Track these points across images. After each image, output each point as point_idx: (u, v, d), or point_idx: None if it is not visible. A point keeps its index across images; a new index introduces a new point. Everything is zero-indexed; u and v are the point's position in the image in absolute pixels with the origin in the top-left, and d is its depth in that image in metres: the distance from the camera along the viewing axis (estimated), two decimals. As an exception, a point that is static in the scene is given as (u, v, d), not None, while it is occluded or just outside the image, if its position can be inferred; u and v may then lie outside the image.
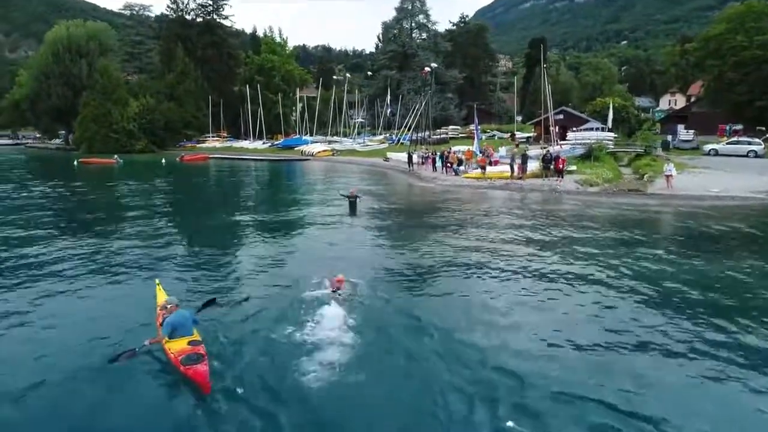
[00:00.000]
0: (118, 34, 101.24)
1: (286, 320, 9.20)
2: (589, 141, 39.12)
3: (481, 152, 34.61)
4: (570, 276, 11.94)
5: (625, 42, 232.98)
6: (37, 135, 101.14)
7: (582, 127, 47.83)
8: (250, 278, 12.28)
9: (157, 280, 10.48)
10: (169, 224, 19.35)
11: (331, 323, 8.79)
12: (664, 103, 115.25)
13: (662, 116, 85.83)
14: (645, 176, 29.51)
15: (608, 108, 54.65)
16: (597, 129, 46.61)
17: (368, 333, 8.59)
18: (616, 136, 43.57)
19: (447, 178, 32.20)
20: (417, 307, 9.98)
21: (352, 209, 20.60)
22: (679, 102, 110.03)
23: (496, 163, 32.86)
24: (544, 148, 39.32)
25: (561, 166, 27.16)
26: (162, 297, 9.56)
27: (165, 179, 38.03)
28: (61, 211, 22.88)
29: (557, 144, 37.78)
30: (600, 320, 9.39)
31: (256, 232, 17.89)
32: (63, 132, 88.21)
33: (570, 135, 42.51)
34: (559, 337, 8.61)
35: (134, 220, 19.84)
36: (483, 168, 29.98)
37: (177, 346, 7.72)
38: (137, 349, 7.92)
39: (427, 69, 47.74)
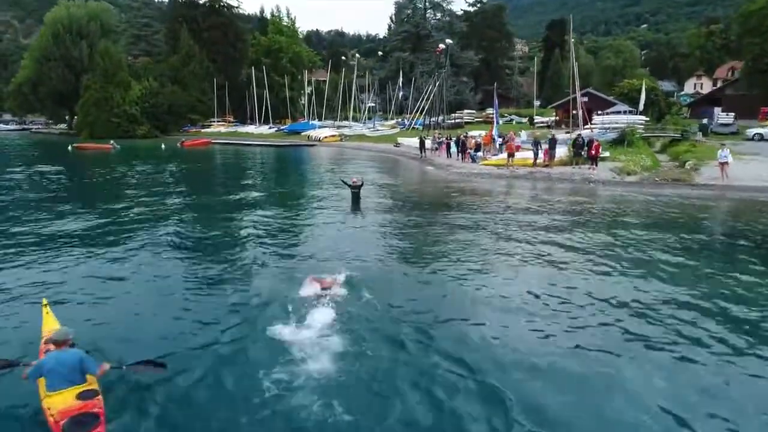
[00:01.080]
0: (125, 15, 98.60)
1: (250, 344, 7.00)
2: (619, 125, 35.73)
3: (499, 137, 31.21)
4: (621, 293, 8.91)
5: (645, 26, 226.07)
6: (48, 120, 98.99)
7: (609, 110, 44.29)
8: (222, 283, 9.80)
9: (44, 300, 7.60)
10: (145, 215, 16.50)
11: (311, 347, 6.70)
12: (689, 87, 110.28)
13: (688, 100, 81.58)
14: (687, 164, 26.15)
15: (636, 90, 51.06)
16: (624, 112, 43.04)
17: (358, 364, 6.45)
18: (647, 119, 39.96)
19: (463, 165, 28.93)
20: (421, 323, 7.78)
21: (355, 201, 17.65)
22: (705, 86, 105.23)
23: (517, 148, 29.38)
24: (568, 132, 35.96)
25: (595, 152, 23.69)
26: (50, 324, 6.70)
27: (160, 166, 35.21)
28: (24, 201, 20.13)
29: (584, 128, 34.26)
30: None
31: (239, 227, 15.03)
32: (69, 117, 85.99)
33: (597, 119, 38.92)
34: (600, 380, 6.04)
35: (106, 212, 17.09)
36: (511, 155, 26.45)
37: (59, 403, 4.99)
38: (20, 365, 5.60)
39: (441, 46, 44.23)
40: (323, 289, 8.67)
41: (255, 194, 21.88)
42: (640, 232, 13.53)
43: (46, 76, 72.81)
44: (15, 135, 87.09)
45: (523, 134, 34.48)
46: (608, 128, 33.23)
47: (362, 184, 17.92)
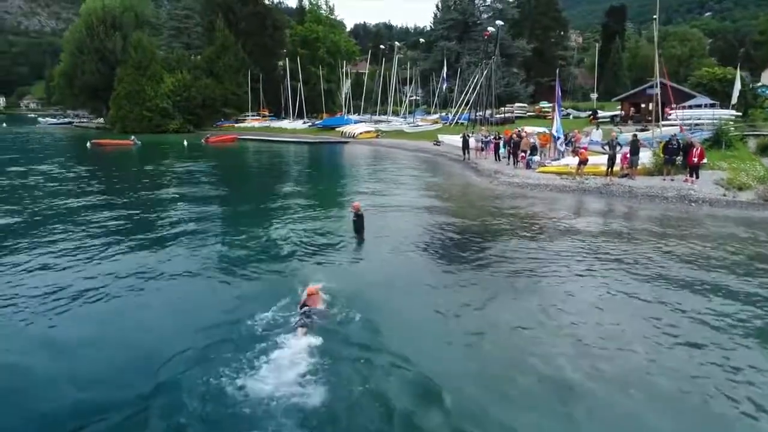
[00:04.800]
0: (168, 6, 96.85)
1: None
2: (705, 121, 29.64)
3: (564, 137, 25.49)
4: None
5: (709, 13, 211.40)
6: (90, 114, 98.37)
7: (687, 104, 37.76)
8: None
9: None
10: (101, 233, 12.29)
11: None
12: (767, 77, 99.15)
13: (771, 92, 72.43)
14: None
15: (717, 80, 44.33)
16: (706, 106, 36.49)
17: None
18: (739, 114, 33.44)
19: (515, 172, 23.36)
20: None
21: (358, 230, 12.89)
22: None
23: (583, 153, 23.51)
24: (644, 130, 30.00)
25: (698, 159, 17.93)
26: None
27: (172, 166, 31.39)
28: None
29: (663, 125, 28.15)
30: None
31: (204, 259, 10.79)
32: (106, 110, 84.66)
33: (677, 113, 32.67)
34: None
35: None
36: (583, 162, 20.84)
37: None
38: None
39: (491, 29, 38.71)
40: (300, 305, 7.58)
41: (240, 213, 17.43)
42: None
43: (80, 69, 71.18)
44: (56, 128, 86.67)
45: (595, 133, 28.37)
46: (700, 126, 27.10)
47: (362, 215, 13.01)
